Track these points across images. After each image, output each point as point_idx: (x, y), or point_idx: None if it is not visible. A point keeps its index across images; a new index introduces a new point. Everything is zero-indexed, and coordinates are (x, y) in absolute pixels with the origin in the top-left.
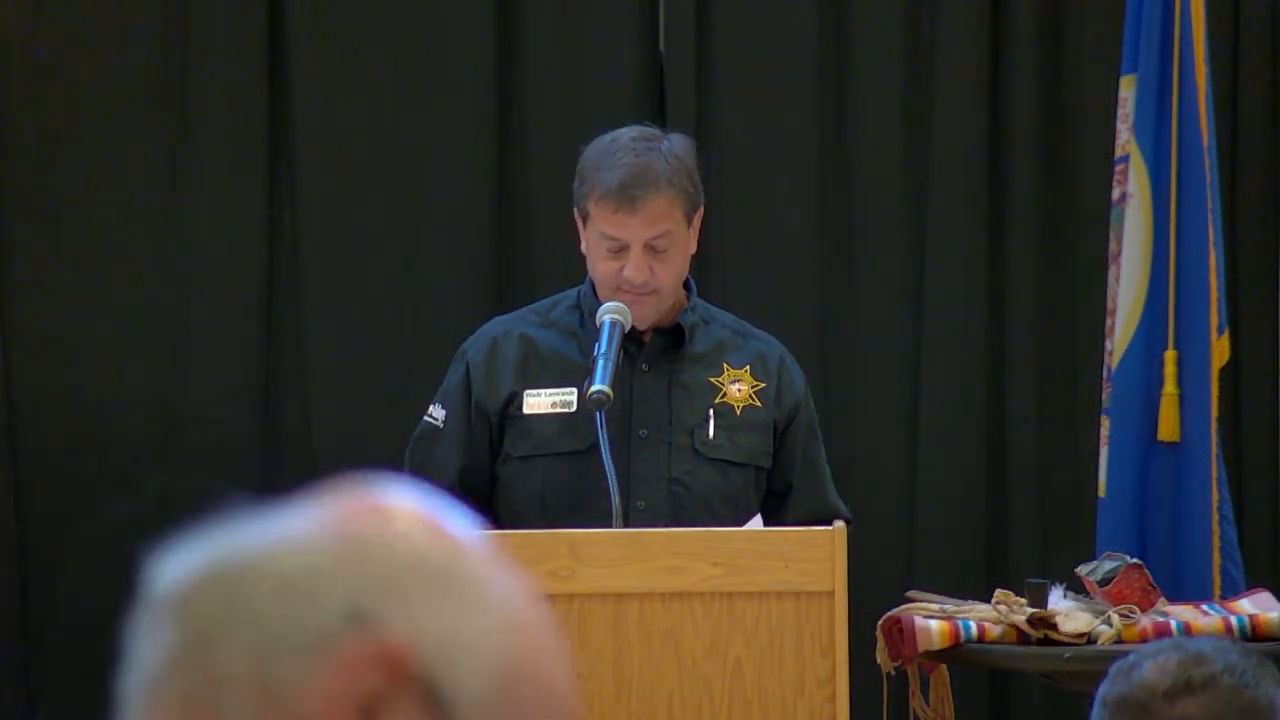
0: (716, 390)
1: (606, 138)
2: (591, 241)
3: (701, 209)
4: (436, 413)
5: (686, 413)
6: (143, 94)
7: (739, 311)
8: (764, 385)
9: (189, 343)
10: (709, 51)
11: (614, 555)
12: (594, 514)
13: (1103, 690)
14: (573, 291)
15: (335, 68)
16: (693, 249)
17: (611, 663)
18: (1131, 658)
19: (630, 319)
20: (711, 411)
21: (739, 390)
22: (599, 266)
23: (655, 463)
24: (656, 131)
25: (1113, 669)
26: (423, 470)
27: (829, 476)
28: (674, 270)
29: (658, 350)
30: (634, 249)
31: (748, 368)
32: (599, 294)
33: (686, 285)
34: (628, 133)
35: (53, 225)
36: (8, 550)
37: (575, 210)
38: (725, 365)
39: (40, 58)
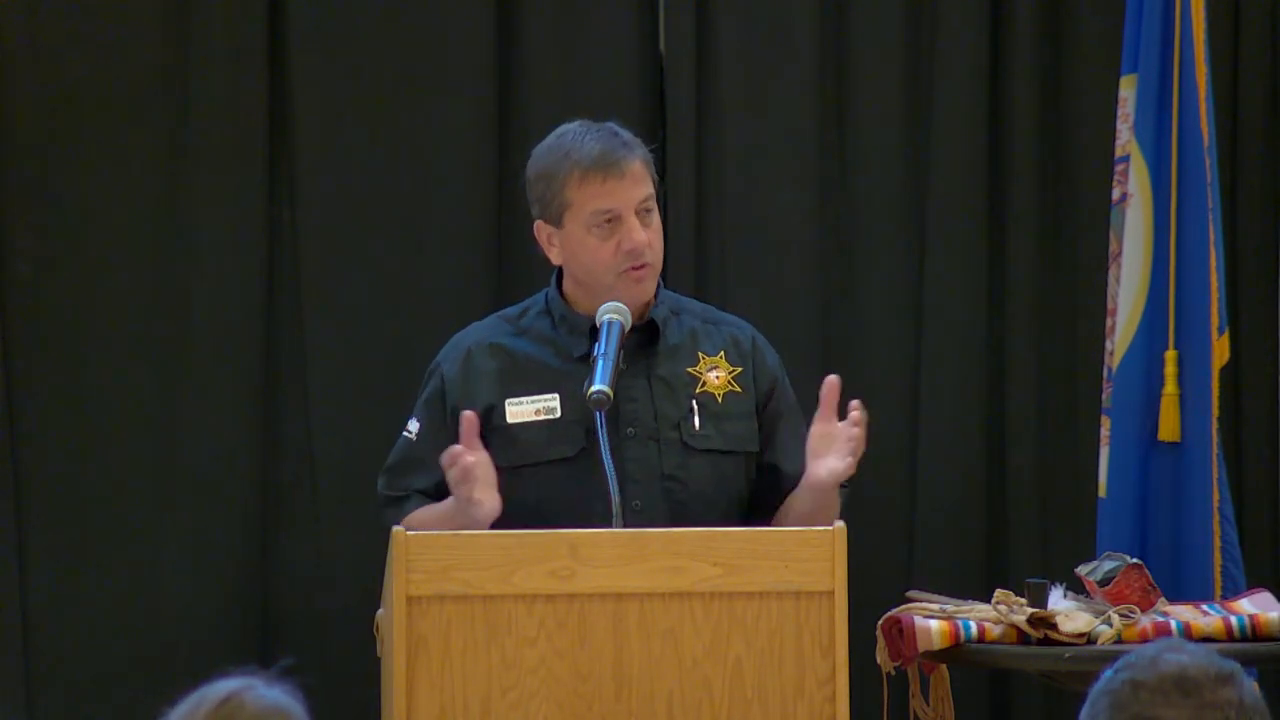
0: (696, 380)
1: (550, 139)
2: (578, 234)
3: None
4: (411, 426)
5: (670, 407)
6: (143, 94)
7: (740, 312)
8: (740, 370)
9: (189, 342)
10: (709, 51)
11: (614, 555)
12: (591, 519)
13: (1125, 676)
14: (539, 296)
15: (335, 68)
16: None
17: (611, 663)
18: (1150, 650)
19: (630, 318)
20: (694, 403)
21: (717, 378)
22: (597, 254)
23: (646, 461)
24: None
25: (1125, 663)
26: (396, 487)
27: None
28: (660, 240)
29: (634, 347)
30: (627, 216)
31: (722, 354)
32: (598, 285)
33: None
34: (571, 126)
35: (53, 225)
36: (8, 550)
37: (542, 221)
38: (700, 354)
39: (40, 58)
